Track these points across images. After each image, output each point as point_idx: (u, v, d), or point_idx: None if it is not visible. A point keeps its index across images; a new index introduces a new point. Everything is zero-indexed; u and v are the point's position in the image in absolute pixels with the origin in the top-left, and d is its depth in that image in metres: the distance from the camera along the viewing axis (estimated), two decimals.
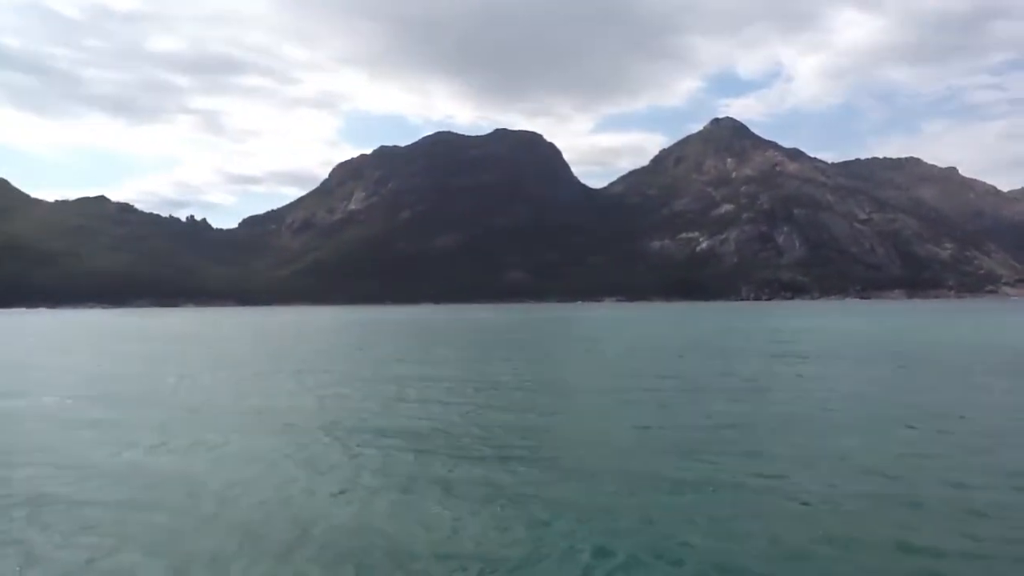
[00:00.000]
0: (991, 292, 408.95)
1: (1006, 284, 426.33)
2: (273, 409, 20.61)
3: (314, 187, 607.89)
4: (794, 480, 12.35)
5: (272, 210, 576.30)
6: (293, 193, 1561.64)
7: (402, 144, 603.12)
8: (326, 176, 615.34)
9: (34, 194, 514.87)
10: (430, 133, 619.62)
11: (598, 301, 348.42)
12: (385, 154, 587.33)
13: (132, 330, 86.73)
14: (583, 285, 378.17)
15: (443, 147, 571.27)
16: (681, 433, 16.37)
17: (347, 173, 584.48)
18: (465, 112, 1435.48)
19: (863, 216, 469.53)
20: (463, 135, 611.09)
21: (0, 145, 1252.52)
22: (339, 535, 10.13)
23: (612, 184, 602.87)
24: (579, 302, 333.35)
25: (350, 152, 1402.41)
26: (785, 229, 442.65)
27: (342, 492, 12.15)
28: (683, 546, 9.54)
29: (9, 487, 12.59)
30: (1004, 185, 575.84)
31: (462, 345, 51.01)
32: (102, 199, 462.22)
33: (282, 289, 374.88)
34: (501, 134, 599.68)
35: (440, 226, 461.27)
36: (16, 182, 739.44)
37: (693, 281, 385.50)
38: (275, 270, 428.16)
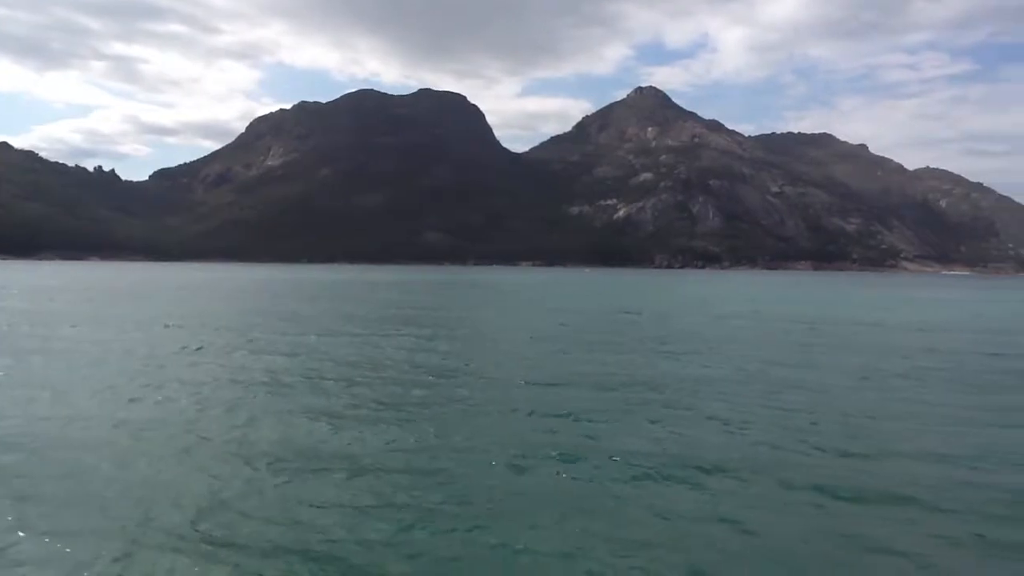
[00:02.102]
0: (892, 266, 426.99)
1: (905, 259, 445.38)
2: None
3: (231, 141, 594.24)
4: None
5: (185, 163, 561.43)
6: (210, 146, 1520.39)
7: (324, 101, 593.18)
8: (243, 130, 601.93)
9: None
10: (355, 91, 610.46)
11: (515, 265, 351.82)
12: (306, 110, 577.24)
13: None
14: (502, 249, 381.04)
15: (367, 105, 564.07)
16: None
17: (266, 127, 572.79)
18: (392, 71, 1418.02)
19: (776, 189, 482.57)
20: (387, 94, 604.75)
21: None
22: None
23: (535, 149, 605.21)
24: (495, 266, 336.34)
25: (271, 106, 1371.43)
26: (701, 199, 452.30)
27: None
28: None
29: None
30: (910, 163, 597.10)
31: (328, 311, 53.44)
32: (5, 146, 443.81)
33: (196, 246, 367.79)
34: (426, 94, 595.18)
35: (361, 185, 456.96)
36: None
37: (610, 248, 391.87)
38: (190, 225, 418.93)
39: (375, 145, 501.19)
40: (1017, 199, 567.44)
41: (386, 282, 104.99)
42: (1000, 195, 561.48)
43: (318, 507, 9.87)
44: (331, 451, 12.59)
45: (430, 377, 19.77)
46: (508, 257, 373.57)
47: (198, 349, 25.32)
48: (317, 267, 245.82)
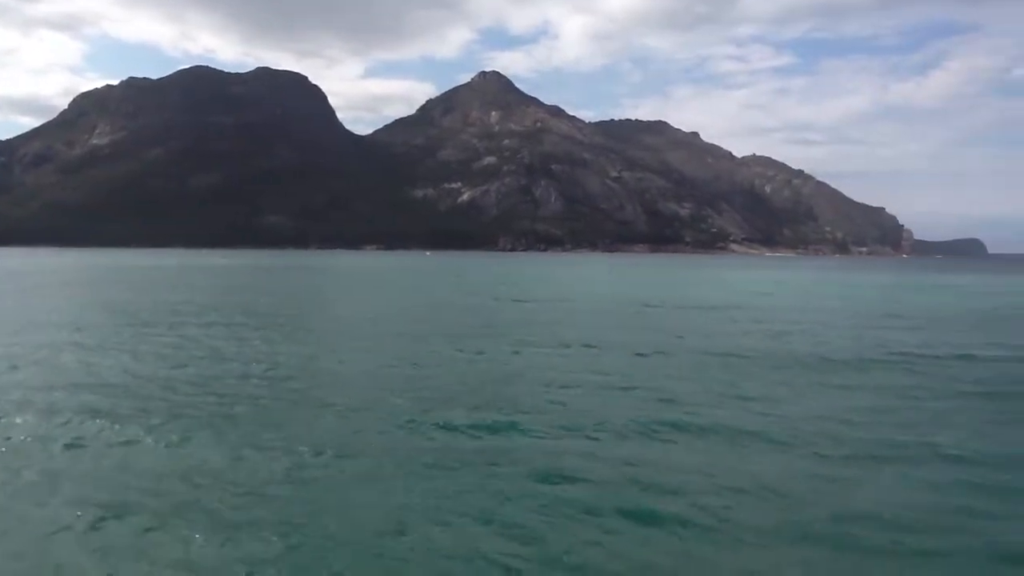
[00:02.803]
0: (722, 248, 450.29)
1: (734, 241, 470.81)
2: None
3: (52, 118, 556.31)
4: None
5: (1, 141, 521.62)
6: (28, 123, 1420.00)
7: (155, 77, 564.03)
8: (66, 106, 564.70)
9: None
10: (189, 67, 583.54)
11: (359, 249, 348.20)
12: (136, 86, 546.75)
13: None
14: (345, 232, 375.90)
15: (202, 82, 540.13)
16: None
17: (91, 104, 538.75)
18: (229, 48, 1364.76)
19: (615, 174, 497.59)
20: (224, 71, 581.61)
21: None
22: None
23: (379, 131, 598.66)
24: (339, 249, 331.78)
25: (97, 82, 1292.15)
26: (543, 183, 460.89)
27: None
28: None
29: None
30: (738, 151, 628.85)
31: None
32: None
33: (17, 230, 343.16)
34: (264, 73, 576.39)
35: (196, 166, 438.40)
36: None
37: (454, 231, 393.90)
38: (9, 208, 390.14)
39: (211, 125, 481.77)
40: (833, 185, 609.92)
41: (219, 268, 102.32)
42: (819, 181, 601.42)
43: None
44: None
45: (264, 373, 18.82)
46: (351, 240, 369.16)
47: None
48: (149, 252, 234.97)
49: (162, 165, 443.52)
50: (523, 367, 19.79)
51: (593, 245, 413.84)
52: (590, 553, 8.03)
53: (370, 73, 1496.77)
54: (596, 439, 12.42)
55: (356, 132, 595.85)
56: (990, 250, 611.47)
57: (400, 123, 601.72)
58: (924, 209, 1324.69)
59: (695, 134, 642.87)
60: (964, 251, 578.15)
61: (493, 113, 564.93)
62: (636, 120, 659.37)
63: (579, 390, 16.69)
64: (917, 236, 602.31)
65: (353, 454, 11.64)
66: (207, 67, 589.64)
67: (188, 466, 11.06)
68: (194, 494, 9.91)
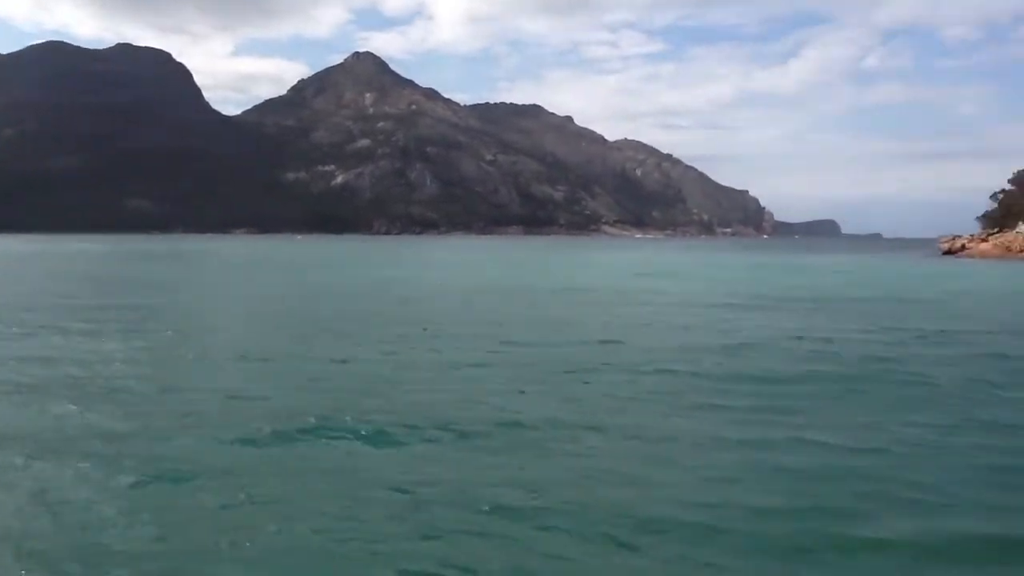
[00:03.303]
0: (594, 230, 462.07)
1: (606, 223, 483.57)
2: None
3: None
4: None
5: None
6: None
7: (5, 52, 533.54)
8: None
9: None
10: (43, 42, 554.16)
11: (228, 233, 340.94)
12: None
13: None
14: (213, 217, 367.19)
15: (58, 58, 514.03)
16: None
17: None
18: (87, 22, 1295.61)
19: (490, 157, 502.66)
20: (82, 47, 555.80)
21: None
22: None
23: (249, 112, 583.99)
24: (208, 234, 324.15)
25: None
26: (419, 167, 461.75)
27: None
28: None
29: None
30: (610, 135, 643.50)
31: None
32: None
33: None
34: (125, 49, 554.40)
35: (54, 147, 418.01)
36: None
37: (328, 214, 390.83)
38: None
39: (68, 104, 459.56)
40: (700, 168, 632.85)
41: (72, 254, 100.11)
42: (687, 165, 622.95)
43: None
44: None
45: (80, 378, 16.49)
46: (221, 225, 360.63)
47: None
48: (3, 237, 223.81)
49: (16, 146, 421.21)
50: (390, 365, 18.08)
51: (468, 228, 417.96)
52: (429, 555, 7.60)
53: (239, 51, 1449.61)
54: (443, 442, 11.31)
55: (224, 112, 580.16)
56: (843, 230, 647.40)
57: (271, 104, 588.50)
58: (784, 192, 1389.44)
59: (569, 118, 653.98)
60: (820, 231, 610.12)
61: (367, 95, 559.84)
62: (511, 104, 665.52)
63: (437, 387, 15.33)
64: (778, 217, 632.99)
65: (192, 471, 9.95)
66: (63, 42, 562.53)
67: None
68: None
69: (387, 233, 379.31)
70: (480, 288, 44.29)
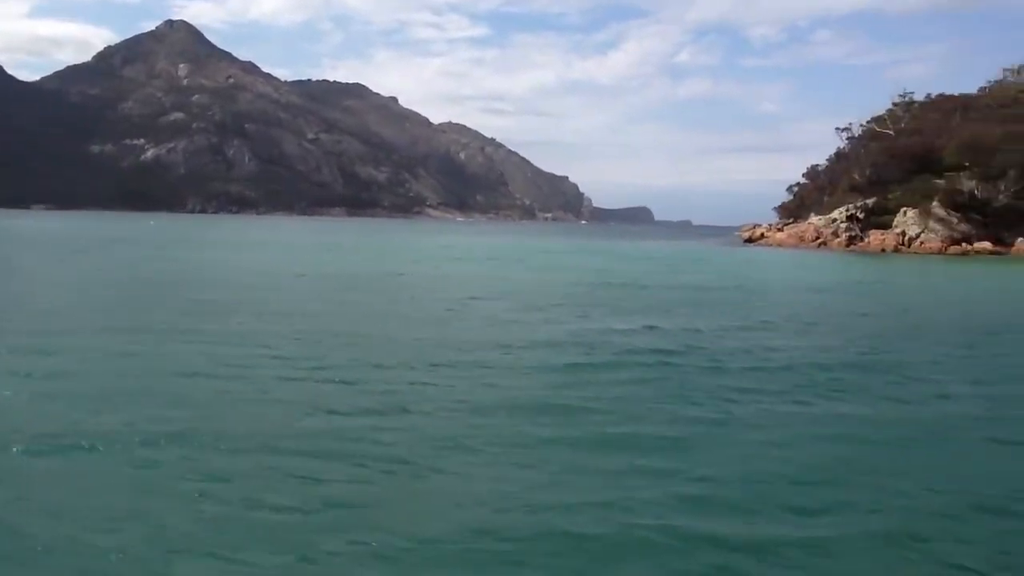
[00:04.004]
0: (418, 213, 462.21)
1: (430, 206, 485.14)
2: None
3: None
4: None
5: None
6: None
7: None
8: None
9: None
10: None
11: (26, 209, 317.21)
12: None
13: None
14: (8, 190, 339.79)
15: None
16: None
17: None
18: None
19: (312, 136, 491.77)
20: None
21: None
22: None
23: (48, 78, 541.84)
24: (2, 209, 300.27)
25: None
26: (236, 143, 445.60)
27: None
28: None
29: None
30: (435, 117, 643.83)
31: None
32: None
33: None
34: None
35: None
36: None
37: (138, 190, 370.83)
38: None
39: None
40: (523, 154, 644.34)
41: None
42: (509, 150, 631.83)
43: None
44: None
45: None
46: (17, 199, 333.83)
47: None
48: None
49: None
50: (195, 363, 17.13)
51: (289, 208, 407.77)
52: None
53: (37, 12, 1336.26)
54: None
55: (20, 78, 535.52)
56: (656, 217, 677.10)
57: (74, 70, 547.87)
58: (602, 179, 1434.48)
59: (394, 99, 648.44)
60: (635, 218, 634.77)
61: (181, 66, 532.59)
62: (335, 82, 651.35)
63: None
64: (596, 204, 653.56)
65: None
66: None
67: None
68: None
69: (202, 211, 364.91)
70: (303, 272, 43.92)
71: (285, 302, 30.49)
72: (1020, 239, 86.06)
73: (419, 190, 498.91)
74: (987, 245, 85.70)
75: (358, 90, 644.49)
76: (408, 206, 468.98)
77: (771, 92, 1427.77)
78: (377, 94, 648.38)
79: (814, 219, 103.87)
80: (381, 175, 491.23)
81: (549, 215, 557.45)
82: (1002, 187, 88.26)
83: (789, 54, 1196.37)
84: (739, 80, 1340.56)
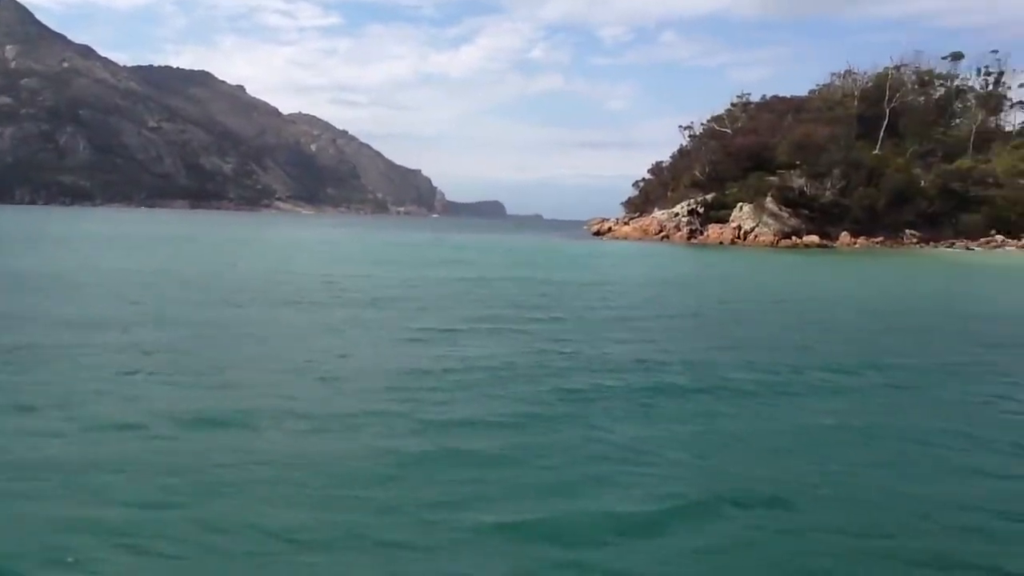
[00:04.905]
0: (267, 206, 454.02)
1: (279, 199, 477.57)
2: None
3: None
4: None
5: None
6: None
7: None
8: None
9: None
10: None
11: None
12: None
13: None
14: None
15: None
16: None
17: None
18: None
19: (154, 124, 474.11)
20: None
21: None
22: None
23: None
24: None
25: None
26: (70, 131, 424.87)
27: None
28: None
29: None
30: (284, 108, 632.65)
31: None
32: None
33: None
34: None
35: None
36: None
37: None
38: None
39: None
40: (376, 147, 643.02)
41: None
42: (362, 142, 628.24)
43: None
44: None
45: None
46: None
47: None
48: None
49: None
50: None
51: (128, 199, 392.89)
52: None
53: None
54: None
55: None
56: (509, 211, 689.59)
57: None
58: (456, 173, 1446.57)
59: (241, 87, 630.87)
60: (488, 212, 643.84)
61: (9, 47, 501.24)
62: (178, 68, 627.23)
63: None
64: (449, 198, 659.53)
65: None
66: None
67: None
68: None
69: (32, 203, 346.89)
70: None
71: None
72: (843, 233, 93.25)
73: (268, 182, 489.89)
74: (815, 239, 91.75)
75: (203, 77, 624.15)
76: (256, 199, 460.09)
77: (620, 90, 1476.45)
78: (223, 82, 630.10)
79: (658, 213, 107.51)
80: (227, 166, 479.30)
81: (402, 209, 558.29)
82: (828, 185, 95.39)
83: (637, 54, 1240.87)
84: (589, 78, 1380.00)
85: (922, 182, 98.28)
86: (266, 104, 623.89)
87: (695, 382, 15.02)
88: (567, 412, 12.49)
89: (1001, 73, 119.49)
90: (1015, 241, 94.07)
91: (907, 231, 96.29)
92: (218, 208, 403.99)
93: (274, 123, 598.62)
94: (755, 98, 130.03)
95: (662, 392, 14.11)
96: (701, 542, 7.85)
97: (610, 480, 9.47)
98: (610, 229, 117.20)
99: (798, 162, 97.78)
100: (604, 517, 8.26)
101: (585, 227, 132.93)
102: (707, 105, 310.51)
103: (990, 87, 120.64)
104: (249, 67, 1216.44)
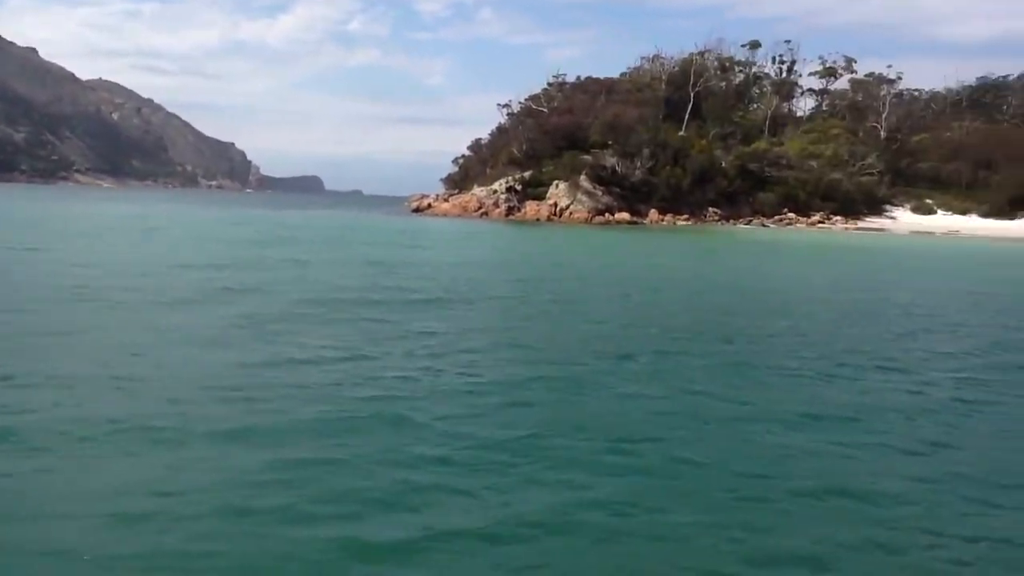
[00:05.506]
0: (64, 178, 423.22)
1: (78, 172, 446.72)
2: None
3: None
4: None
5: None
6: None
7: None
8: None
9: None
10: None
11: None
12: None
13: None
14: None
15: None
16: None
17: None
18: None
19: None
20: None
21: None
22: None
23: None
24: None
25: None
26: None
27: None
28: None
29: None
30: (83, 73, 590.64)
31: None
32: None
33: None
34: None
35: None
36: None
37: None
38: None
39: None
40: (185, 117, 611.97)
41: None
42: (169, 112, 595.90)
43: None
44: None
45: None
46: None
47: None
48: None
49: None
50: None
51: None
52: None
53: None
54: None
55: None
56: (327, 187, 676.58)
57: None
58: (271, 146, 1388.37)
59: (33, 50, 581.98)
60: (305, 187, 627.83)
61: None
62: None
63: None
64: (264, 172, 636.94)
65: None
66: None
67: None
68: None
69: None
70: None
71: None
72: (652, 210, 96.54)
73: (65, 153, 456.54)
74: (626, 216, 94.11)
75: None
76: (52, 171, 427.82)
77: (439, 66, 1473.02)
78: (12, 43, 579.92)
79: (477, 190, 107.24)
80: (18, 135, 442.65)
81: (214, 183, 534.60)
82: (638, 164, 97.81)
83: (455, 30, 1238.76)
84: (408, 52, 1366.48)
85: (723, 163, 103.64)
86: (62, 69, 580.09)
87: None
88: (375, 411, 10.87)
89: (793, 62, 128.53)
90: (804, 218, 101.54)
91: (710, 209, 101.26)
92: (8, 181, 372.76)
93: (71, 89, 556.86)
94: (571, 78, 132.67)
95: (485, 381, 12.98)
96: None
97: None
98: (430, 206, 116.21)
99: (610, 142, 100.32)
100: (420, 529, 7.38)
101: (406, 204, 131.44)
102: (525, 84, 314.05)
103: (784, 75, 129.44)
104: (42, 28, 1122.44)
